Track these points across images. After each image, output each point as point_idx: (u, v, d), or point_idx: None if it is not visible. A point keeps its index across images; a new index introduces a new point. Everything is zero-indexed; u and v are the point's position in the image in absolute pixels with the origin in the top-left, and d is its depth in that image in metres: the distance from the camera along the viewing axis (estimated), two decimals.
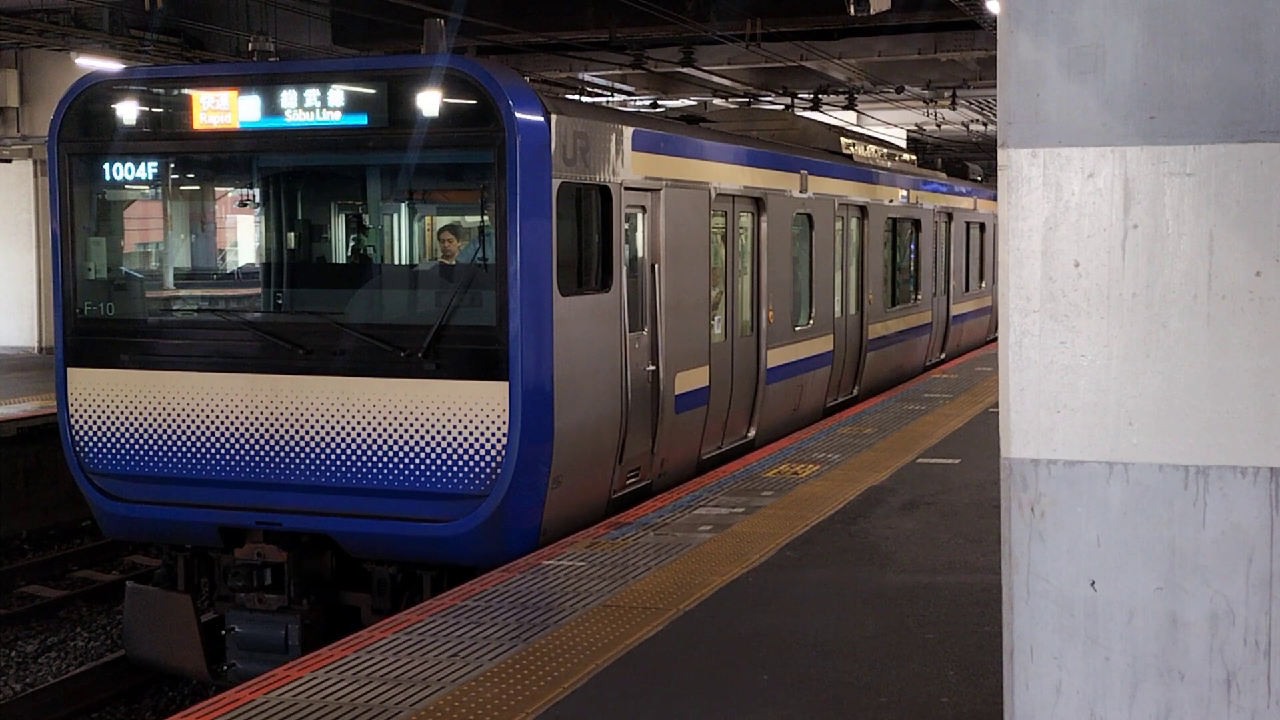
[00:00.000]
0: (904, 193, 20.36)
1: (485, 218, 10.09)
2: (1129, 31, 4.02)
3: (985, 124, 34.43)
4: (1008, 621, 4.24)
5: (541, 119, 9.77)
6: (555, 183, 9.87)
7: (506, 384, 9.47)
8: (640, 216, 11.56)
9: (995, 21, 4.21)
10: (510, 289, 9.46)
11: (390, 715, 6.25)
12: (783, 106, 26.60)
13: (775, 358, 14.71)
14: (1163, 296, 4.04)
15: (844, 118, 28.73)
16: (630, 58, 22.26)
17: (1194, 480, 4.03)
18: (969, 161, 35.73)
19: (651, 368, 11.57)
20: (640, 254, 11.61)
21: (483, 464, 9.54)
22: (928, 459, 12.87)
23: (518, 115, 9.50)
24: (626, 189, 11.07)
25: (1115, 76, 4.04)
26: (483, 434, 9.53)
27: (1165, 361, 4.04)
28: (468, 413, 9.55)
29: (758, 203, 14.29)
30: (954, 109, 29.45)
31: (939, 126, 35.44)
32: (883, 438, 14.15)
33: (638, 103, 28.47)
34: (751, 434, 14.17)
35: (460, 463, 9.58)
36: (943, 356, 23.27)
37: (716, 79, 25.18)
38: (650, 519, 10.30)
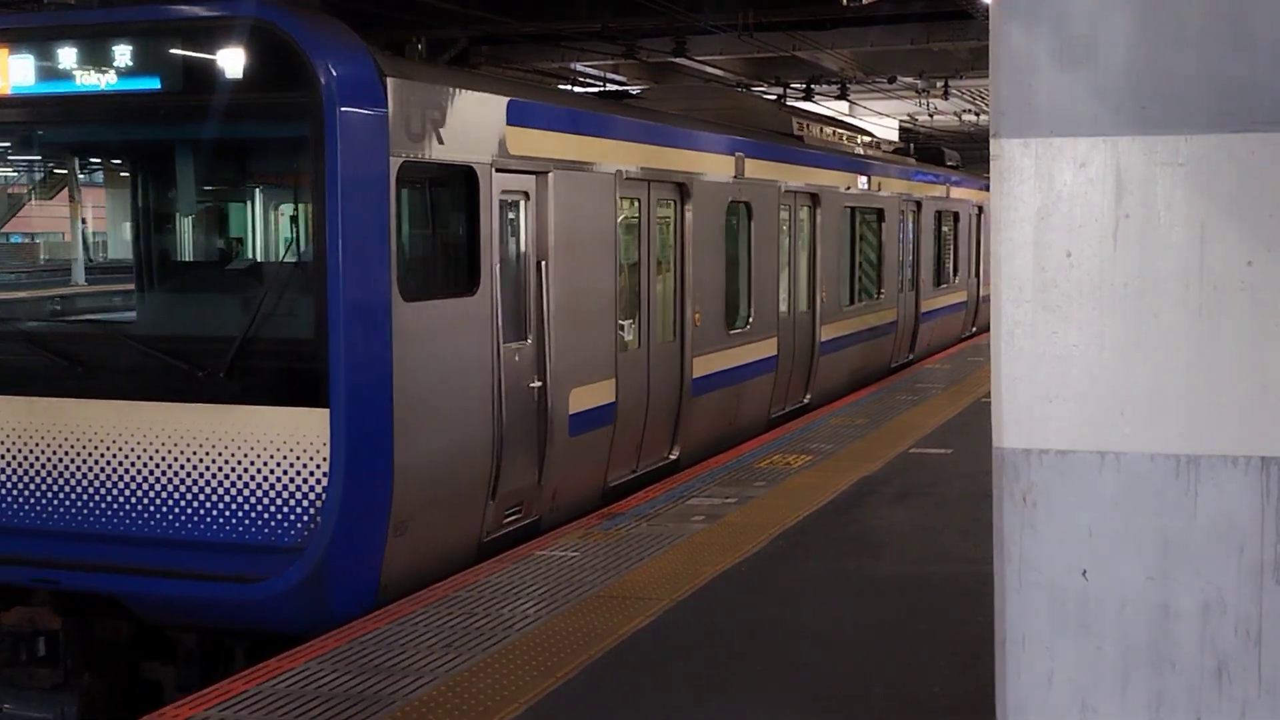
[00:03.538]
0: (864, 179, 18.68)
1: (302, 205, 8.44)
2: (1121, 22, 4.03)
3: (977, 114, 34.44)
4: (1000, 611, 4.25)
5: (374, 82, 8.14)
6: (394, 162, 8.20)
7: (327, 411, 7.79)
8: (523, 204, 9.86)
9: (987, 12, 4.21)
10: (331, 293, 7.77)
11: (384, 705, 6.26)
12: (775, 96, 26.57)
13: (703, 366, 12.96)
14: (1154, 287, 4.04)
15: (837, 107, 28.72)
16: (622, 48, 22.24)
17: (1185, 470, 4.04)
18: (971, 151, 35.61)
19: (537, 384, 9.91)
20: (522, 249, 9.88)
21: (298, 511, 7.89)
22: (920, 449, 12.89)
23: (338, 76, 7.83)
24: (500, 171, 9.35)
25: (1107, 67, 4.04)
26: (298, 473, 7.89)
27: (1157, 351, 4.05)
28: (280, 447, 7.90)
29: (680, 189, 12.54)
30: (946, 99, 29.44)
31: (931, 117, 35.45)
32: (875, 428, 14.16)
33: (631, 93, 28.40)
34: (674, 454, 12.56)
35: (271, 509, 7.94)
36: (911, 357, 21.66)
37: (709, 69, 25.14)
38: (643, 509, 10.31)
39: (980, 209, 27.04)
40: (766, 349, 14.78)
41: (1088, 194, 4.08)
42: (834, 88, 27.31)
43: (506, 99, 9.56)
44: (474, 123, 9.13)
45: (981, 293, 27.14)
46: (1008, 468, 4.18)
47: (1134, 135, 4.03)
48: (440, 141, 8.66)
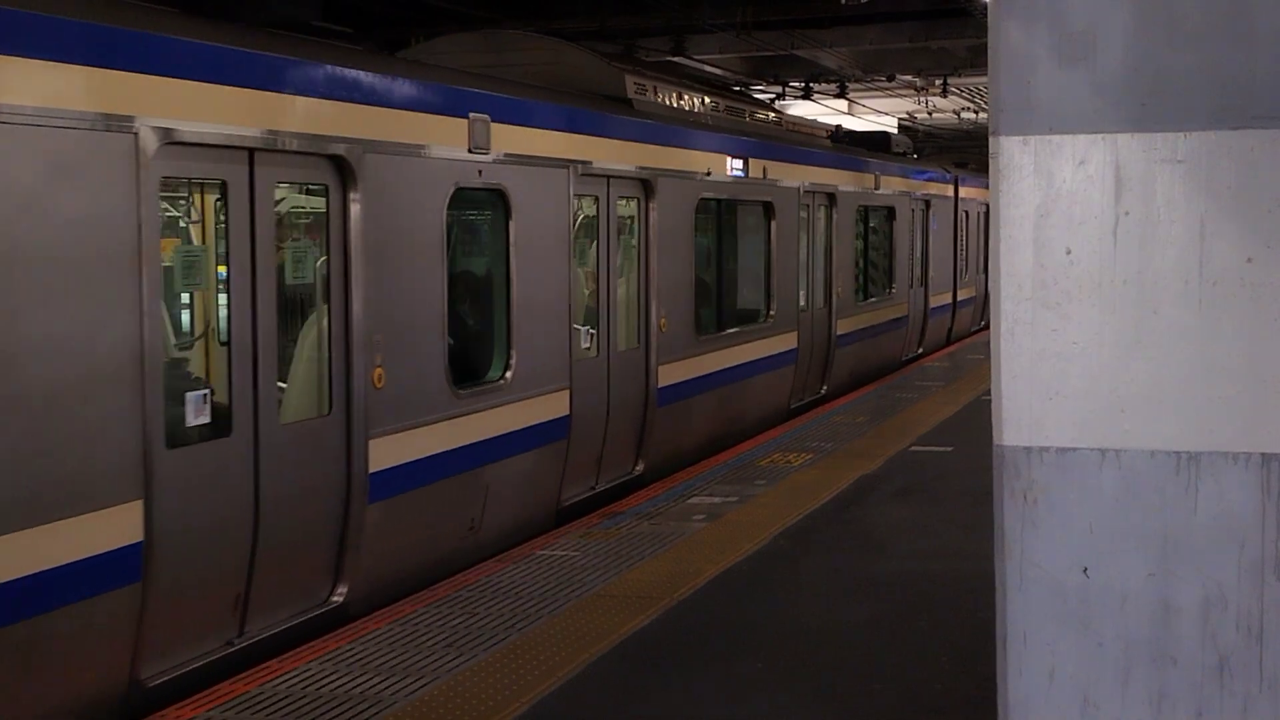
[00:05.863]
0: (737, 162, 13.94)
1: None
2: (1119, 18, 4.03)
3: (976, 112, 34.48)
4: (1001, 608, 4.25)
5: None
6: None
7: None
8: None
9: (986, 9, 4.21)
10: None
11: (385, 706, 6.26)
12: (773, 96, 26.58)
13: (401, 449, 8.33)
14: (1154, 283, 4.04)
15: (836, 105, 28.73)
16: (621, 47, 22.26)
17: (1186, 466, 4.04)
18: (970, 148, 35.46)
19: None
20: None
21: None
22: (920, 447, 12.90)
23: None
24: None
25: (1106, 64, 4.04)
26: None
27: (1157, 348, 4.05)
28: None
29: (338, 165, 7.83)
30: (945, 97, 29.47)
31: (930, 115, 35.49)
32: (875, 426, 14.17)
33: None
34: (340, 594, 7.95)
35: None
36: (824, 391, 17.00)
37: (708, 68, 25.17)
38: (644, 508, 10.31)
39: (928, 204, 22.68)
40: (548, 408, 10.14)
41: (1087, 191, 4.08)
42: (833, 86, 27.34)
43: None
44: None
45: (930, 304, 22.96)
46: (1008, 465, 4.18)
47: (1133, 132, 4.03)
48: None
